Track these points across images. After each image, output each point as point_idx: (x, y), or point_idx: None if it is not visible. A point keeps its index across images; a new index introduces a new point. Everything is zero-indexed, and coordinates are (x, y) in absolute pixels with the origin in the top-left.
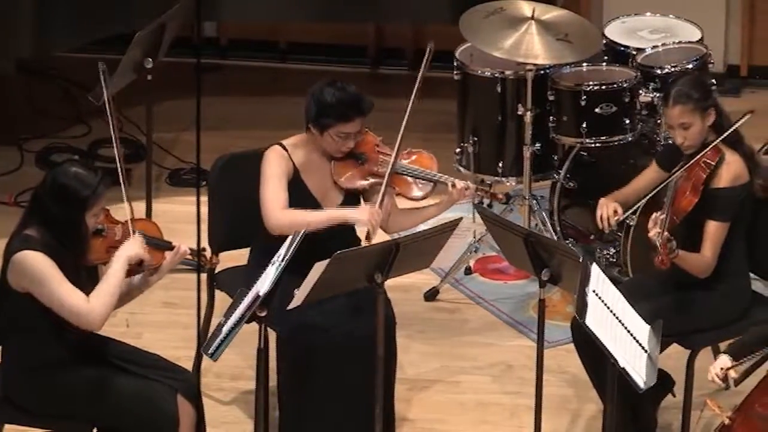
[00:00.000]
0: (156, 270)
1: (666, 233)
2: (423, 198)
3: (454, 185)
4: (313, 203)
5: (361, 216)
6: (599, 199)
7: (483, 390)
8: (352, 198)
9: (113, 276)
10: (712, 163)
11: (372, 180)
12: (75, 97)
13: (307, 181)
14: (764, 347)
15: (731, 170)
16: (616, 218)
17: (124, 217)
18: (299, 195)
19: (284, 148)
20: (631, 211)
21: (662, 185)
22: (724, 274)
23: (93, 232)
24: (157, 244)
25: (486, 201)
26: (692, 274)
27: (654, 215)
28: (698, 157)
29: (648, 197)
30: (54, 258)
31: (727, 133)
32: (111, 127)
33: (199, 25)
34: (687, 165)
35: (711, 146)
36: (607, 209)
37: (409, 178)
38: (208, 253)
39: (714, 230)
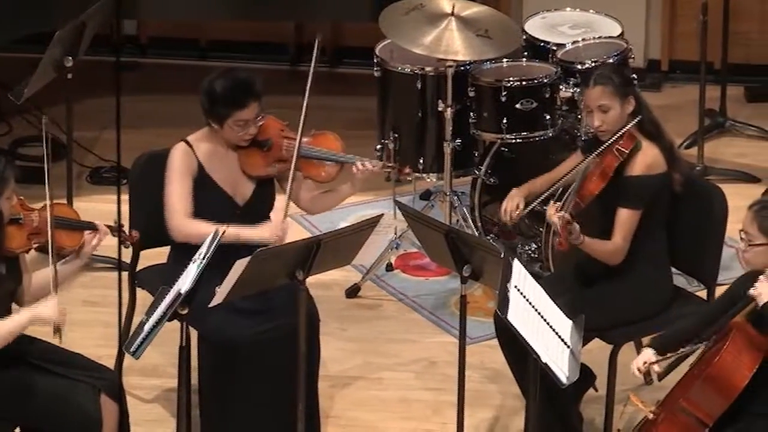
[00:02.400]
0: (78, 252)
1: (567, 216)
2: (332, 179)
3: (358, 167)
4: (222, 197)
5: (263, 234)
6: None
7: (406, 386)
8: (265, 186)
9: (12, 325)
10: (626, 151)
11: (279, 166)
12: None
13: (214, 175)
14: (688, 342)
15: (646, 159)
16: (518, 212)
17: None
18: (207, 190)
19: (189, 144)
20: (537, 201)
21: (573, 171)
22: (645, 268)
23: (9, 221)
24: (76, 225)
25: (393, 177)
26: (603, 260)
27: (551, 206)
28: (611, 142)
29: (558, 186)
30: None
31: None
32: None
33: (118, 24)
34: (598, 151)
35: (622, 131)
36: (511, 203)
37: (314, 161)
38: (126, 228)
39: (624, 217)
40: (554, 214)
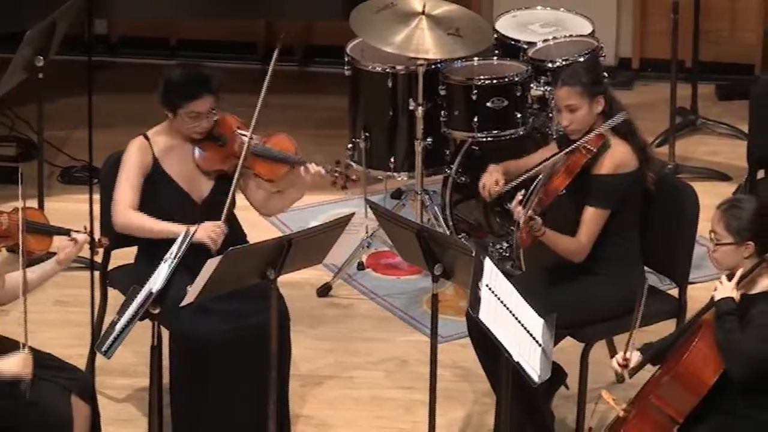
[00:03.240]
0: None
1: (530, 212)
2: (278, 179)
3: (306, 169)
4: (177, 192)
5: (201, 236)
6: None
7: (377, 385)
8: (222, 182)
9: None
10: (593, 149)
11: (232, 161)
12: None
13: (169, 169)
14: None
15: (615, 158)
16: (497, 189)
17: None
18: (161, 184)
19: (147, 138)
20: (511, 185)
21: (542, 164)
22: (617, 266)
23: None
24: (46, 230)
25: (340, 183)
26: (566, 257)
27: (516, 197)
28: (578, 144)
29: (529, 174)
30: None
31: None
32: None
33: (89, 23)
34: (568, 149)
35: (593, 134)
36: (491, 178)
37: (266, 160)
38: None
39: (590, 216)
40: (517, 207)
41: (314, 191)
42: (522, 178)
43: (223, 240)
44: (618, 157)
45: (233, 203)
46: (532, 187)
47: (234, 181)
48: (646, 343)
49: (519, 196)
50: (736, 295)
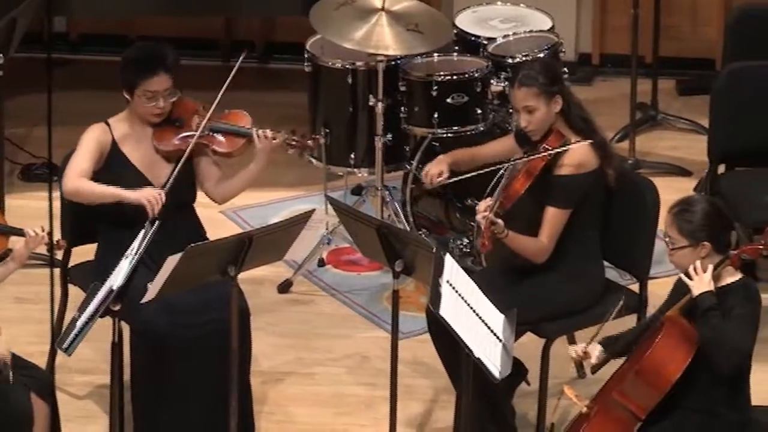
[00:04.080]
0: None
1: (491, 217)
2: (236, 151)
3: (259, 136)
4: (134, 174)
5: (138, 196)
6: (449, 185)
7: (338, 382)
8: (183, 169)
9: None
10: (552, 150)
11: (188, 140)
12: None
13: (129, 155)
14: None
15: (575, 158)
16: (438, 180)
17: None
18: (120, 166)
19: (107, 123)
20: (455, 179)
21: (499, 166)
22: (578, 262)
23: None
24: (2, 231)
25: (297, 151)
26: (528, 258)
27: (483, 202)
28: (542, 155)
29: (481, 171)
30: None
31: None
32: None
33: (49, 21)
34: (531, 157)
35: (557, 150)
36: (436, 168)
37: (220, 136)
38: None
39: (551, 216)
40: (480, 213)
41: (274, 186)
42: (471, 174)
43: (181, 236)
44: (578, 157)
45: (188, 185)
46: (497, 190)
47: (187, 150)
48: (606, 336)
49: (489, 201)
50: (713, 288)
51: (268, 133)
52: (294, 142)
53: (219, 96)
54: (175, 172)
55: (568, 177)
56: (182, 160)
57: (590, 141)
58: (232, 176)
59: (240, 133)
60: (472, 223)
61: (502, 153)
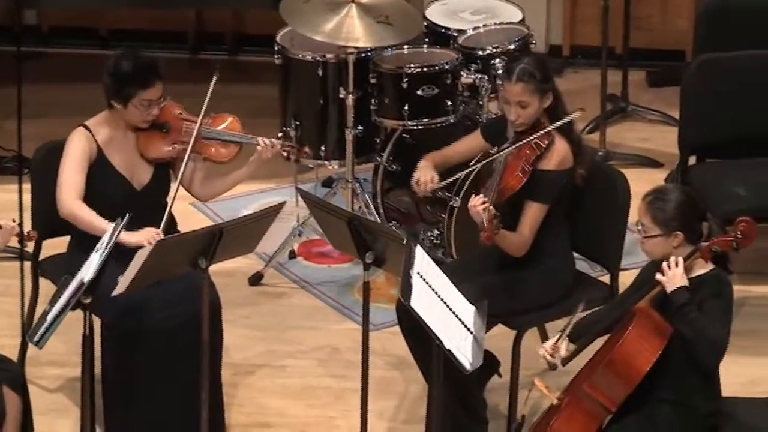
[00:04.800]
0: None
1: (492, 209)
2: (231, 159)
3: (258, 143)
4: (119, 181)
5: (138, 240)
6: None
7: (309, 374)
8: (162, 171)
9: None
10: (543, 146)
11: (178, 147)
12: None
13: (112, 159)
14: (602, 331)
15: (559, 154)
16: (432, 186)
17: None
18: (105, 174)
19: (88, 128)
20: (448, 181)
21: (487, 161)
22: (549, 255)
23: None
24: None
25: (293, 157)
26: (509, 253)
27: (477, 194)
28: (531, 139)
29: (471, 171)
30: None
31: (559, 123)
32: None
33: (19, 13)
34: (518, 145)
35: (545, 130)
36: (425, 175)
37: (214, 142)
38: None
39: (534, 211)
40: (479, 206)
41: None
42: (460, 175)
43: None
44: (561, 154)
45: (167, 189)
46: (488, 184)
47: (182, 166)
48: (575, 328)
49: (483, 198)
50: (686, 283)
51: (271, 141)
52: (290, 148)
53: (205, 103)
54: (170, 205)
55: (552, 172)
56: (179, 177)
57: (568, 139)
58: (218, 176)
59: (237, 142)
60: (443, 215)
61: (474, 149)
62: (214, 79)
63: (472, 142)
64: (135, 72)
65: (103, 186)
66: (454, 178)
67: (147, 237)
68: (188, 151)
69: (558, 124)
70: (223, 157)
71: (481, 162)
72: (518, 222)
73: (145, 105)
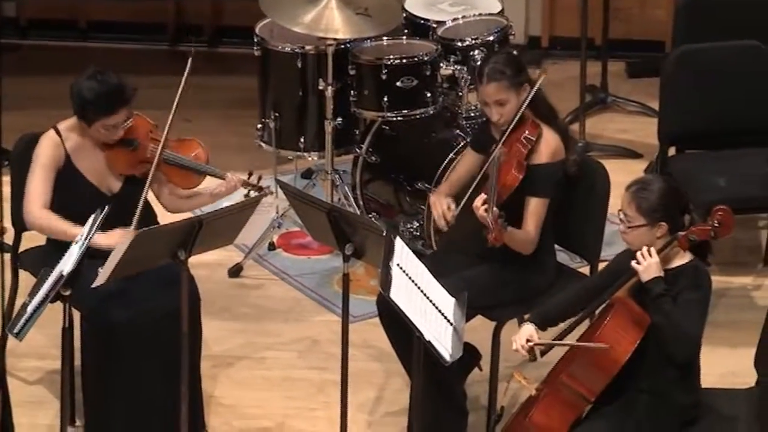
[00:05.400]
0: None
1: (496, 209)
2: (192, 188)
3: (224, 178)
4: (88, 188)
5: (110, 243)
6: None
7: (289, 366)
8: (132, 182)
9: None
10: (533, 139)
11: (143, 167)
12: None
13: (80, 165)
14: (568, 316)
15: (550, 146)
16: (452, 214)
17: None
18: (73, 180)
19: (59, 133)
20: (464, 202)
21: (486, 167)
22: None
23: None
24: None
25: (254, 193)
26: (519, 251)
27: (481, 197)
28: (511, 129)
29: (476, 184)
30: None
31: (529, 96)
32: None
33: None
34: (502, 140)
35: (519, 113)
36: (442, 205)
37: (180, 169)
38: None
39: (536, 206)
40: (481, 207)
41: (224, 170)
42: (470, 192)
43: (130, 220)
44: (552, 145)
45: (145, 204)
46: (488, 186)
47: (145, 188)
48: (533, 311)
49: (484, 198)
50: (662, 273)
51: (232, 178)
52: (251, 187)
53: (170, 119)
54: (139, 208)
55: (546, 165)
56: (143, 199)
57: (555, 128)
58: (185, 196)
59: (200, 172)
60: (422, 207)
61: (472, 167)
62: (188, 67)
63: (468, 160)
64: (99, 99)
65: (72, 192)
66: (467, 196)
67: (119, 239)
68: (150, 175)
69: (529, 97)
70: (185, 185)
71: (480, 173)
72: (519, 220)
73: (109, 128)
